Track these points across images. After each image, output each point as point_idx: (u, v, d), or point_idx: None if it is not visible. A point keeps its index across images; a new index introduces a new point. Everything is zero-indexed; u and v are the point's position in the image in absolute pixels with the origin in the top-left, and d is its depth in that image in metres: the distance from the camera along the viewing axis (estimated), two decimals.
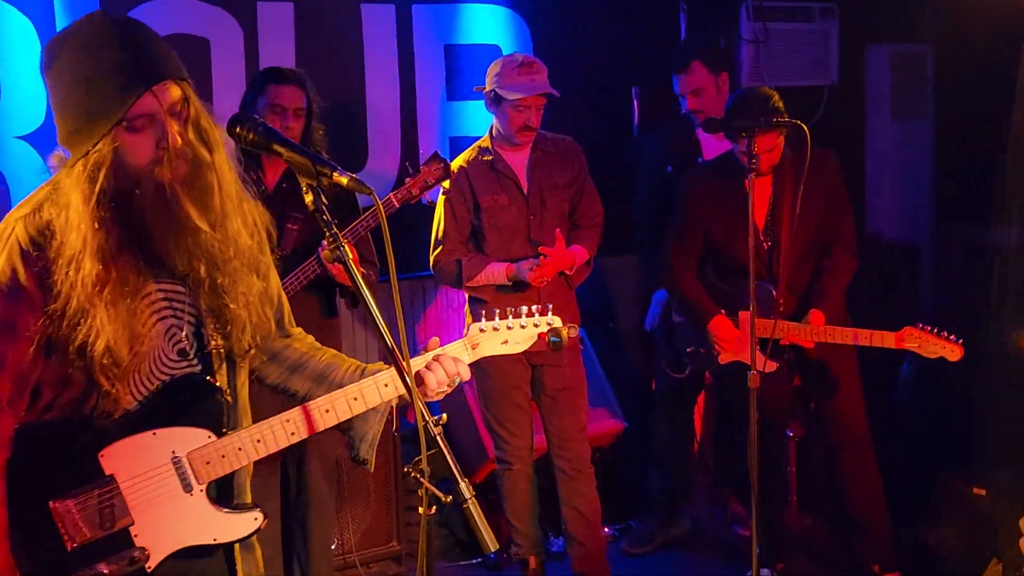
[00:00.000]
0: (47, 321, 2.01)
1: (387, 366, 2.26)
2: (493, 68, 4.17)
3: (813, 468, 5.01)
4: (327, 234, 2.03)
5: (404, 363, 2.01)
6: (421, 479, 1.98)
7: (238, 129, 2.03)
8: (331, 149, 4.06)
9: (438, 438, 1.98)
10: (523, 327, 2.37)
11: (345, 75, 5.07)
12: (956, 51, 5.66)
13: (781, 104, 4.03)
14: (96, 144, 2.00)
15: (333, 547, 4.35)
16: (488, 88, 4.16)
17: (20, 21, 4.43)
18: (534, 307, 2.38)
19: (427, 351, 2.30)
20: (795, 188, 4.03)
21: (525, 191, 4.21)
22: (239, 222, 2.19)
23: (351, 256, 2.04)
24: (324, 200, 2.03)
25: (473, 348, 2.35)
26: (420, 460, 1.98)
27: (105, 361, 2.03)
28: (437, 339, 2.35)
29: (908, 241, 5.85)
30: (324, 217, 2.01)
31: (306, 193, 2.01)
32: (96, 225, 2.00)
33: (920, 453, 5.08)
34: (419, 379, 2.26)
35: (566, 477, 4.31)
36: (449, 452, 1.98)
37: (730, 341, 4.15)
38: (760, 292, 3.98)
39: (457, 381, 2.31)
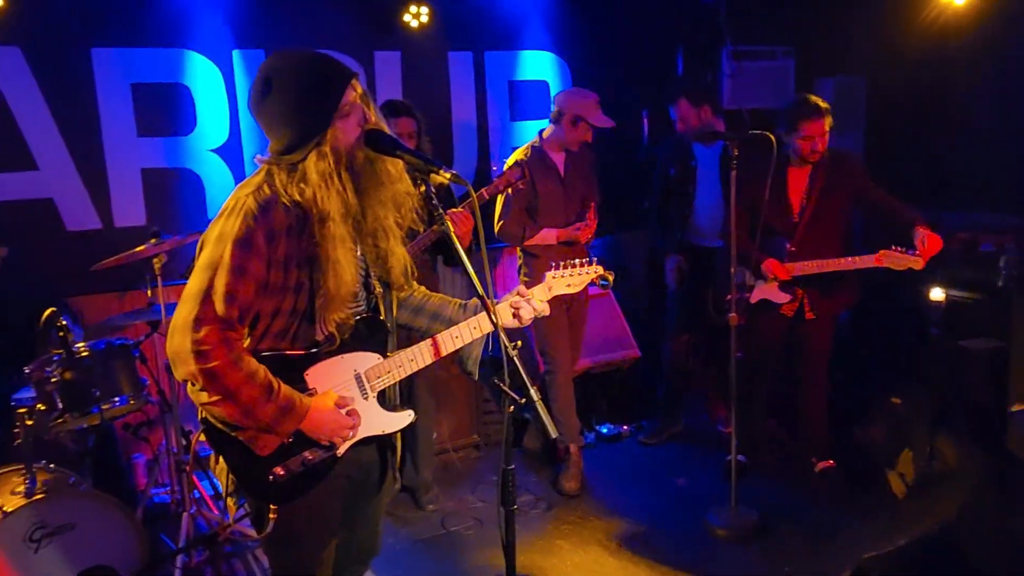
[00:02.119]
0: (274, 267, 1.97)
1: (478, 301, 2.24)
2: (575, 98, 4.12)
3: (775, 386, 4.98)
4: (435, 214, 2.04)
5: (491, 304, 2.03)
6: (503, 386, 1.99)
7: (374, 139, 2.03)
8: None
9: (515, 359, 1.97)
10: (579, 274, 2.39)
11: (437, 102, 5.10)
12: (881, 82, 5.61)
13: (823, 103, 3.85)
14: (326, 133, 1.97)
15: (434, 437, 4.43)
16: (570, 113, 4.09)
17: (208, 66, 4.52)
18: (585, 259, 2.42)
19: (519, 295, 2.30)
20: (823, 179, 3.93)
21: (563, 179, 4.23)
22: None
23: (452, 229, 2.04)
24: (432, 190, 2.05)
25: (549, 289, 2.37)
26: (503, 373, 1.98)
27: (348, 298, 2.05)
28: (524, 287, 2.34)
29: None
30: (433, 201, 2.03)
31: (420, 185, 2.02)
32: (335, 194, 1.98)
33: (857, 375, 5.01)
34: (515, 311, 2.27)
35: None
36: (522, 367, 1.97)
37: (779, 272, 3.94)
38: (777, 244, 3.99)
39: (541, 314, 2.31)
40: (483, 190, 3.74)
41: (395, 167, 2.10)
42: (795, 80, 5.75)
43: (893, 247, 3.70)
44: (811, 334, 4.16)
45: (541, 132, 4.29)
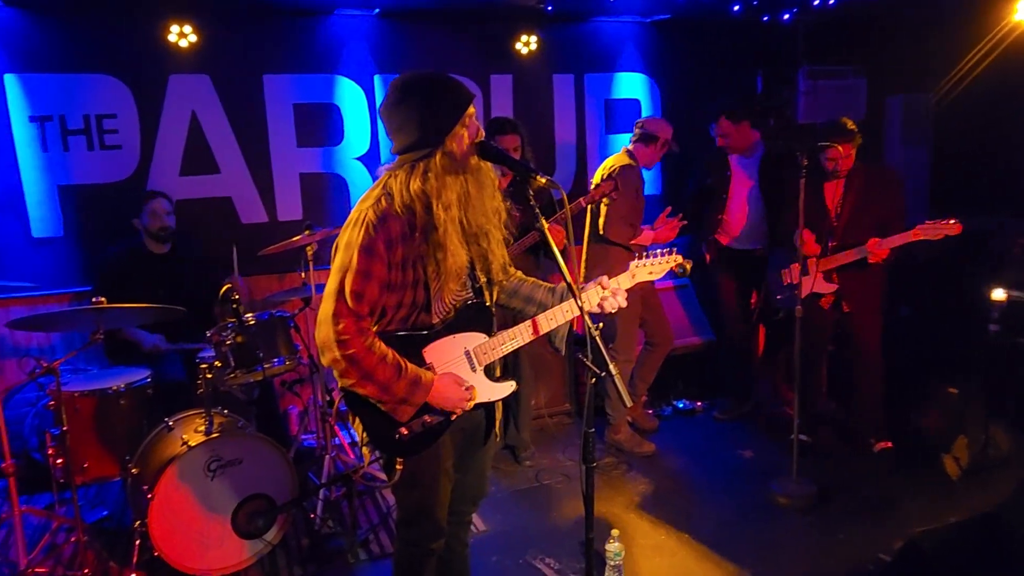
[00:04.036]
0: (394, 269, 1.99)
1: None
2: (666, 126, 4.12)
3: (837, 371, 4.74)
4: (537, 215, 2.04)
5: (579, 293, 2.05)
6: (586, 361, 1.98)
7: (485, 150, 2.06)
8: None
9: (597, 339, 1.97)
10: (661, 262, 2.33)
11: (543, 118, 5.09)
12: (946, 99, 5.25)
13: (852, 126, 3.80)
14: (451, 135, 2.00)
15: (532, 404, 4.41)
16: (663, 138, 4.09)
17: (354, 89, 4.63)
18: (666, 249, 2.35)
19: (603, 286, 2.22)
20: (856, 189, 3.84)
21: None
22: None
23: (547, 227, 2.04)
24: (531, 194, 2.04)
25: (633, 276, 2.31)
26: (587, 350, 1.98)
27: (459, 279, 2.08)
28: (606, 277, 2.25)
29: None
30: (531, 203, 2.05)
31: (522, 188, 2.02)
32: (459, 184, 2.02)
33: (917, 365, 4.66)
34: (601, 303, 2.22)
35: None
36: (603, 347, 1.98)
37: (809, 243, 3.86)
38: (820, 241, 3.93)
39: (622, 305, 2.25)
40: (580, 199, 3.72)
41: (495, 181, 2.13)
42: (866, 97, 5.45)
43: (927, 221, 3.55)
44: (857, 325, 4.05)
45: (629, 151, 4.13)
